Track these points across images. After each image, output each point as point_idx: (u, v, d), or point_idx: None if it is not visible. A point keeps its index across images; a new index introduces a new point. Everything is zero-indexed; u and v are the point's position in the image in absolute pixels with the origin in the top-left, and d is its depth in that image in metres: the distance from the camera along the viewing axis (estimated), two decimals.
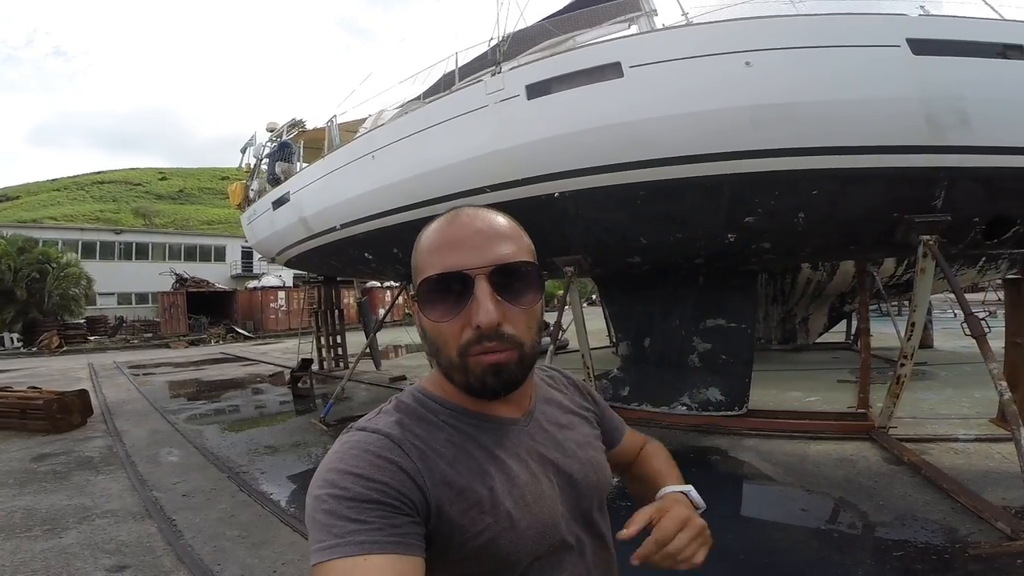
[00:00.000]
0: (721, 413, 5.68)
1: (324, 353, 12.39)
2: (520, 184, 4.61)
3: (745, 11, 4.47)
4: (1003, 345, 4.84)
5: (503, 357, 0.67)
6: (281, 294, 26.43)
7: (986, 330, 3.86)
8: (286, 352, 16.11)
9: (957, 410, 5.82)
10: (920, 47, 3.83)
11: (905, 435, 4.88)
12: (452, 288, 0.67)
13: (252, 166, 9.63)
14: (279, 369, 12.18)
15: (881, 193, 4.11)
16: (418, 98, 6.05)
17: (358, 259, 7.35)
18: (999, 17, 4.09)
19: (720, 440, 5.32)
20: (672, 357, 6.00)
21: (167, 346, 21.29)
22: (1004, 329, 4.95)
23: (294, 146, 8.28)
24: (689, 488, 0.86)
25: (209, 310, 26.01)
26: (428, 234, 0.71)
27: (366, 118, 6.74)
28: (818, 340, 11.56)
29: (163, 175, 54.72)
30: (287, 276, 27.86)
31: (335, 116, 6.92)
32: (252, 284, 28.62)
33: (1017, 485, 3.22)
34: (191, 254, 31.85)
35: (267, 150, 9.04)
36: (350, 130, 6.92)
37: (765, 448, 4.96)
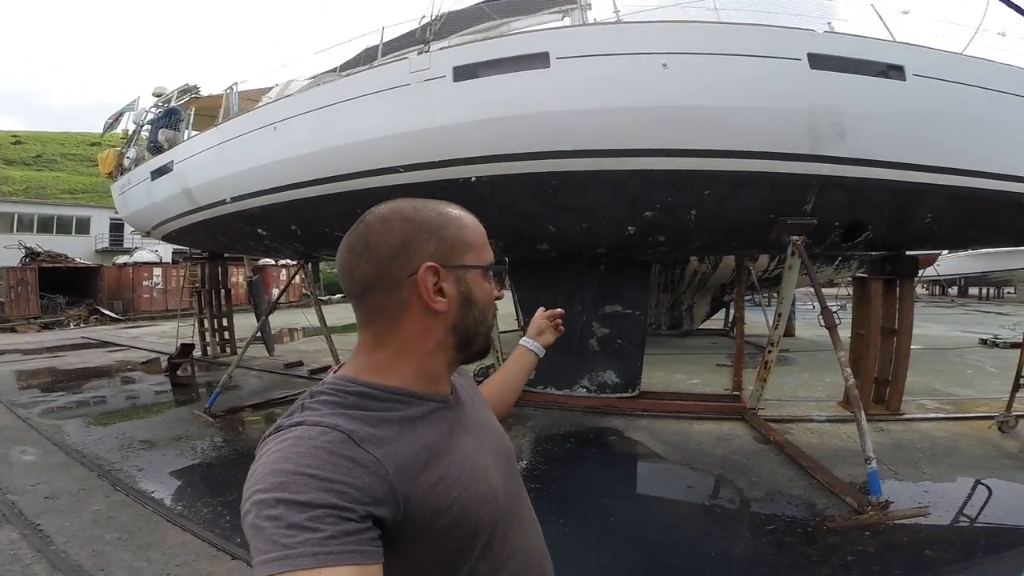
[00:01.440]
0: (617, 395, 6.06)
1: (208, 337, 11.37)
2: (437, 166, 4.53)
3: (673, 14, 4.67)
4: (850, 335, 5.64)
5: None
6: (157, 271, 23.66)
7: (837, 322, 4.48)
8: (163, 336, 14.55)
9: (813, 393, 6.69)
10: (818, 62, 4.19)
11: (771, 416, 5.52)
12: (494, 272, 0.81)
13: (130, 132, 8.56)
14: (155, 355, 10.98)
15: (763, 196, 4.52)
16: (333, 70, 5.71)
17: (250, 235, 6.82)
18: (891, 38, 4.53)
19: (616, 421, 5.68)
20: (574, 341, 6.28)
21: (13, 330, 18.26)
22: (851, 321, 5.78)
23: (183, 113, 7.46)
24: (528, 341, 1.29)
25: (68, 289, 22.61)
26: (469, 221, 0.80)
27: (272, 87, 6.25)
28: (701, 326, 12.68)
29: (17, 139, 46.54)
30: (165, 251, 25.04)
31: (236, 83, 6.36)
32: (122, 260, 25.33)
33: (860, 462, 3.77)
34: (46, 226, 27.33)
35: (149, 115, 8.10)
36: (252, 99, 6.40)
37: (655, 428, 5.38)
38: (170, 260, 24.67)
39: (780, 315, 5.34)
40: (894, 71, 4.30)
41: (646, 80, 4.12)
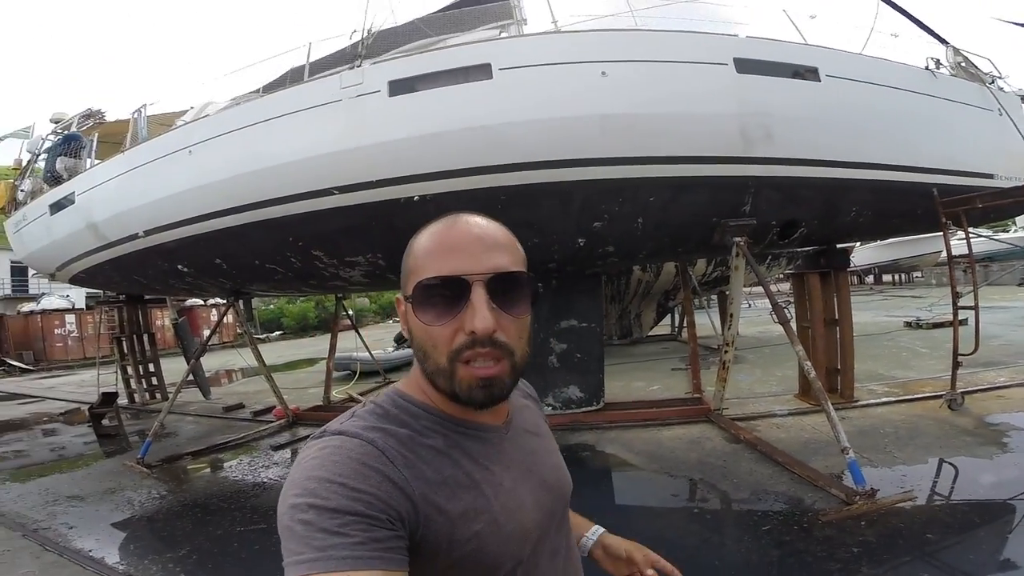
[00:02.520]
0: (583, 409, 5.94)
1: (134, 384, 10.49)
2: (376, 186, 4.30)
3: (607, 23, 4.75)
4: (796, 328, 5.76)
5: (495, 370, 0.67)
6: (70, 318, 21.65)
7: (789, 317, 4.57)
8: (82, 386, 13.31)
9: (768, 388, 6.84)
10: (744, 66, 4.34)
11: (736, 415, 5.56)
12: (448, 293, 0.67)
13: (25, 163, 7.74)
14: (75, 406, 10.01)
15: (705, 199, 4.61)
16: (256, 91, 5.38)
17: (170, 272, 6.26)
18: (803, 41, 4.77)
19: (587, 435, 5.56)
20: (534, 359, 6.10)
21: None
22: (795, 315, 5.94)
23: (84, 140, 6.81)
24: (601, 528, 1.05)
25: None
26: (424, 237, 0.71)
27: (186, 110, 5.80)
28: (649, 333, 12.90)
29: None
30: (77, 296, 22.99)
31: (144, 106, 5.86)
32: (28, 307, 23.01)
33: (833, 452, 3.79)
34: None
35: (47, 143, 7.38)
36: (165, 123, 5.92)
37: (625, 438, 5.29)
38: (83, 306, 22.65)
39: (732, 315, 5.43)
40: (810, 73, 4.54)
41: (587, 89, 4.12)
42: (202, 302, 23.43)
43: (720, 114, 4.33)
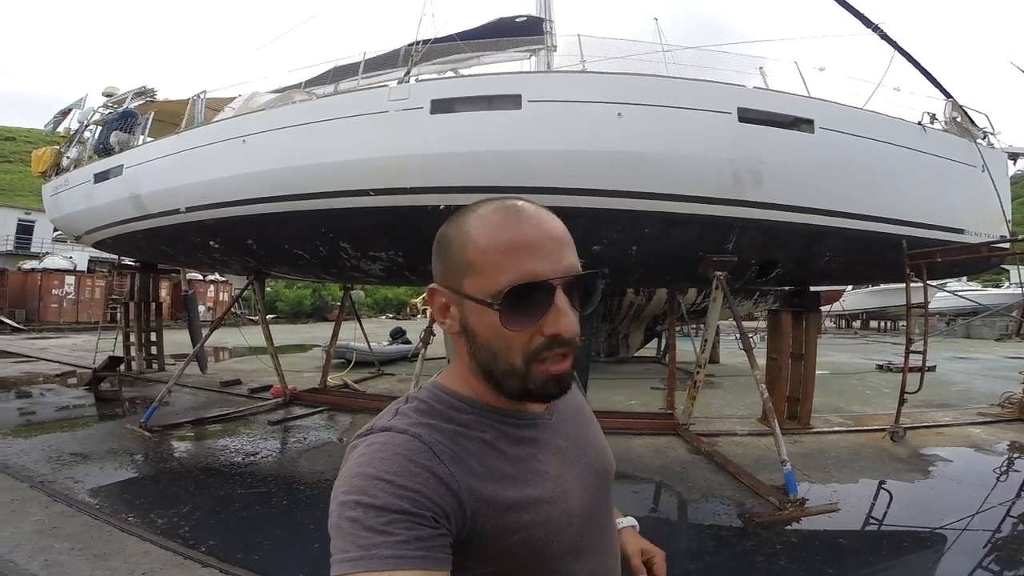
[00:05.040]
0: None
1: (134, 352, 10.68)
2: (408, 192, 4.77)
3: (626, 65, 5.15)
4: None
5: (566, 365, 0.67)
6: (70, 279, 21.79)
7: (754, 345, 5.12)
8: (75, 349, 13.49)
9: (736, 411, 7.39)
10: (746, 115, 4.76)
11: (701, 431, 6.08)
12: (531, 296, 0.63)
13: (73, 131, 8.16)
14: (69, 368, 10.31)
15: (694, 235, 5.05)
16: (298, 85, 5.87)
17: (200, 247, 6.70)
18: (806, 94, 5.16)
19: None
20: None
21: None
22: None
23: (140, 117, 7.26)
24: (632, 520, 1.01)
25: None
26: (488, 229, 0.66)
27: (234, 98, 6.29)
28: (635, 354, 13.43)
29: None
30: (80, 259, 23.21)
31: (204, 92, 6.32)
32: (30, 265, 23.18)
33: (779, 468, 4.36)
34: None
35: (97, 116, 7.79)
36: (213, 108, 6.37)
37: None
38: (85, 269, 22.87)
39: (706, 340, 5.99)
40: (805, 124, 4.92)
41: (604, 127, 4.58)
42: (201, 277, 23.70)
43: (717, 159, 4.73)
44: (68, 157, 7.86)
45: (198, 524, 3.65)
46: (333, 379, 9.20)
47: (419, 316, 30.50)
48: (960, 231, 5.71)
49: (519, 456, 0.70)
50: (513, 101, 4.64)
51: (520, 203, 0.69)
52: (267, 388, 8.31)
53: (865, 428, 6.36)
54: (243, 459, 5.22)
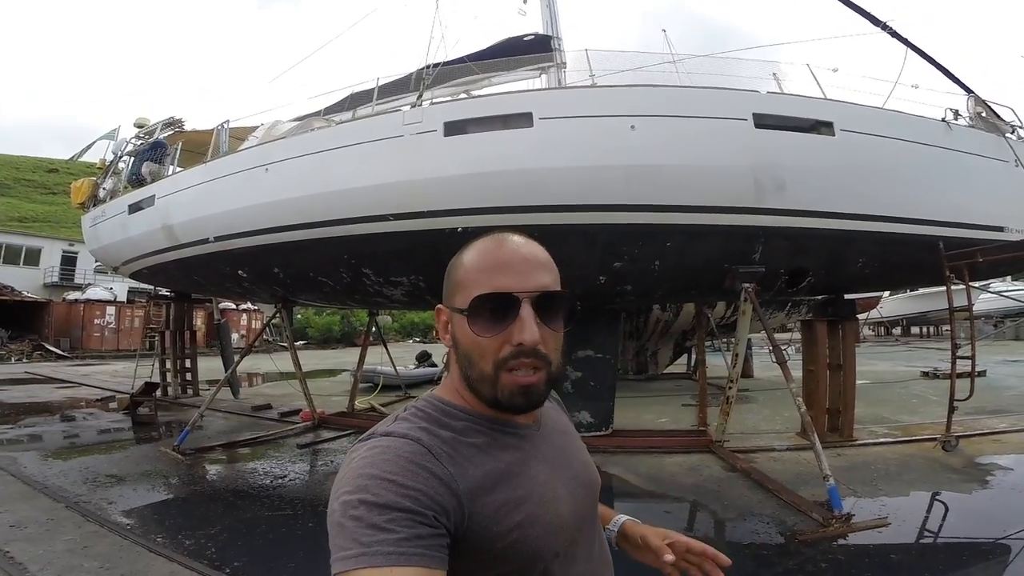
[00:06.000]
0: (592, 433, 6.28)
1: (170, 378, 11.03)
2: (426, 216, 4.78)
3: (640, 75, 5.10)
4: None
5: (535, 379, 0.73)
6: (110, 309, 22.81)
7: (787, 358, 4.91)
8: (115, 376, 14.05)
9: (773, 426, 7.09)
10: (762, 120, 4.65)
11: (737, 447, 5.84)
12: (499, 307, 0.72)
13: (108, 162, 8.52)
14: (109, 393, 10.70)
15: (718, 247, 4.93)
16: (317, 113, 6.00)
17: (229, 276, 6.86)
18: (822, 96, 5.01)
19: (594, 457, 5.82)
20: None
21: None
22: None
23: (169, 147, 7.53)
24: (627, 516, 1.05)
25: (12, 323, 21.50)
26: (473, 254, 0.77)
27: (257, 127, 6.48)
28: (665, 371, 13.10)
29: None
30: (120, 289, 24.20)
31: (227, 121, 6.53)
32: (73, 296, 24.28)
33: (821, 483, 4.11)
34: None
35: (129, 147, 8.12)
36: (237, 137, 6.57)
37: (630, 463, 5.60)
38: (125, 299, 23.81)
39: (737, 355, 5.80)
40: (825, 127, 4.78)
41: (617, 140, 4.52)
42: (234, 306, 24.37)
43: (736, 167, 4.61)
44: (104, 188, 8.17)
45: (225, 545, 3.71)
46: (360, 403, 9.25)
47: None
48: (1000, 229, 5.44)
49: (510, 461, 0.75)
50: (524, 119, 4.62)
51: (509, 234, 0.78)
52: (297, 412, 8.41)
53: (914, 438, 6.02)
54: (271, 481, 5.27)
